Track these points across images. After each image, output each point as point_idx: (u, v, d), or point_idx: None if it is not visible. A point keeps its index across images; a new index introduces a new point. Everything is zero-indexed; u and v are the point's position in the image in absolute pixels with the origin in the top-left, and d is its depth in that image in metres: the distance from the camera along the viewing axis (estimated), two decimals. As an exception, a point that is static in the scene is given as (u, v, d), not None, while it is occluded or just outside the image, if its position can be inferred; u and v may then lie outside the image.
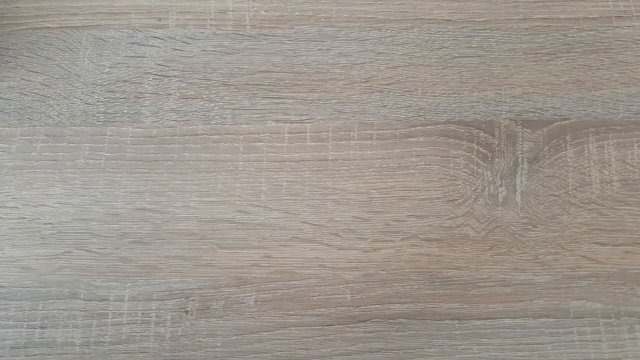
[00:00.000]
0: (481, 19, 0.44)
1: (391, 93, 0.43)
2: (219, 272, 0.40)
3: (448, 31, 0.44)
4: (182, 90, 0.43)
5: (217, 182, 0.41)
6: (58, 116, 0.42)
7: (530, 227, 0.40)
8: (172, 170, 0.41)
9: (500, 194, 0.41)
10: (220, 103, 0.43)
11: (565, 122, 0.42)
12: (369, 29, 0.44)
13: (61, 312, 0.39)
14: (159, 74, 0.43)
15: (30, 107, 0.42)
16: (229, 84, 0.43)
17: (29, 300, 0.39)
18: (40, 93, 0.43)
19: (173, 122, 0.42)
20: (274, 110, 0.43)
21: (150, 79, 0.43)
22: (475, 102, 0.43)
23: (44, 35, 0.44)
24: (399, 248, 0.40)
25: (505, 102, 0.43)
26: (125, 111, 0.42)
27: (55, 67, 0.43)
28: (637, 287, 0.39)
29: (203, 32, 0.44)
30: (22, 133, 0.42)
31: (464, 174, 0.41)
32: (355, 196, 0.41)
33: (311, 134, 0.42)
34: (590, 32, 0.44)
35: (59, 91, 0.43)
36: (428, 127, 0.42)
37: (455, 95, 0.43)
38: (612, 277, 0.40)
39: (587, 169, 0.41)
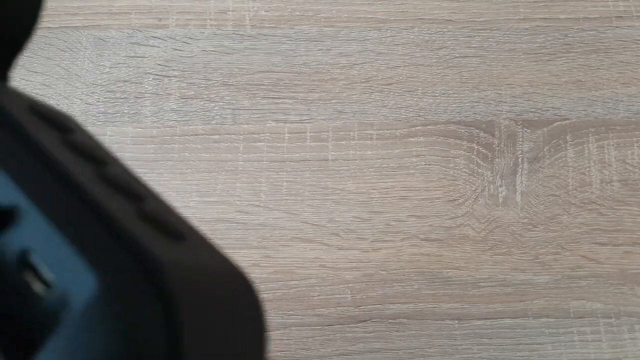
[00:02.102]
0: (481, 19, 0.44)
1: (391, 93, 0.43)
2: (219, 272, 0.40)
3: (448, 31, 0.44)
4: (182, 90, 0.43)
5: (217, 182, 0.41)
6: (58, 116, 0.42)
7: (530, 227, 0.40)
8: (172, 170, 0.41)
9: (500, 194, 0.41)
10: (220, 103, 0.43)
11: (565, 122, 0.42)
12: (369, 29, 0.44)
13: (61, 312, 0.39)
14: (159, 74, 0.43)
15: (30, 107, 0.42)
16: (229, 84, 0.43)
17: (29, 300, 0.39)
18: (40, 93, 0.43)
19: (173, 122, 0.42)
20: (274, 110, 0.42)
21: (150, 79, 0.43)
22: (475, 102, 0.43)
23: (44, 35, 0.44)
24: (399, 248, 0.40)
25: (505, 102, 0.43)
26: (125, 111, 0.42)
27: (55, 67, 0.43)
28: (637, 287, 0.39)
29: (203, 32, 0.44)
30: (22, 133, 0.42)
31: (464, 174, 0.41)
32: (355, 196, 0.41)
33: (311, 134, 0.42)
34: (590, 32, 0.44)
35: (59, 91, 0.43)
36: (428, 127, 0.42)
37: (455, 95, 0.43)
38: (612, 277, 0.40)
39: (587, 169, 0.41)
